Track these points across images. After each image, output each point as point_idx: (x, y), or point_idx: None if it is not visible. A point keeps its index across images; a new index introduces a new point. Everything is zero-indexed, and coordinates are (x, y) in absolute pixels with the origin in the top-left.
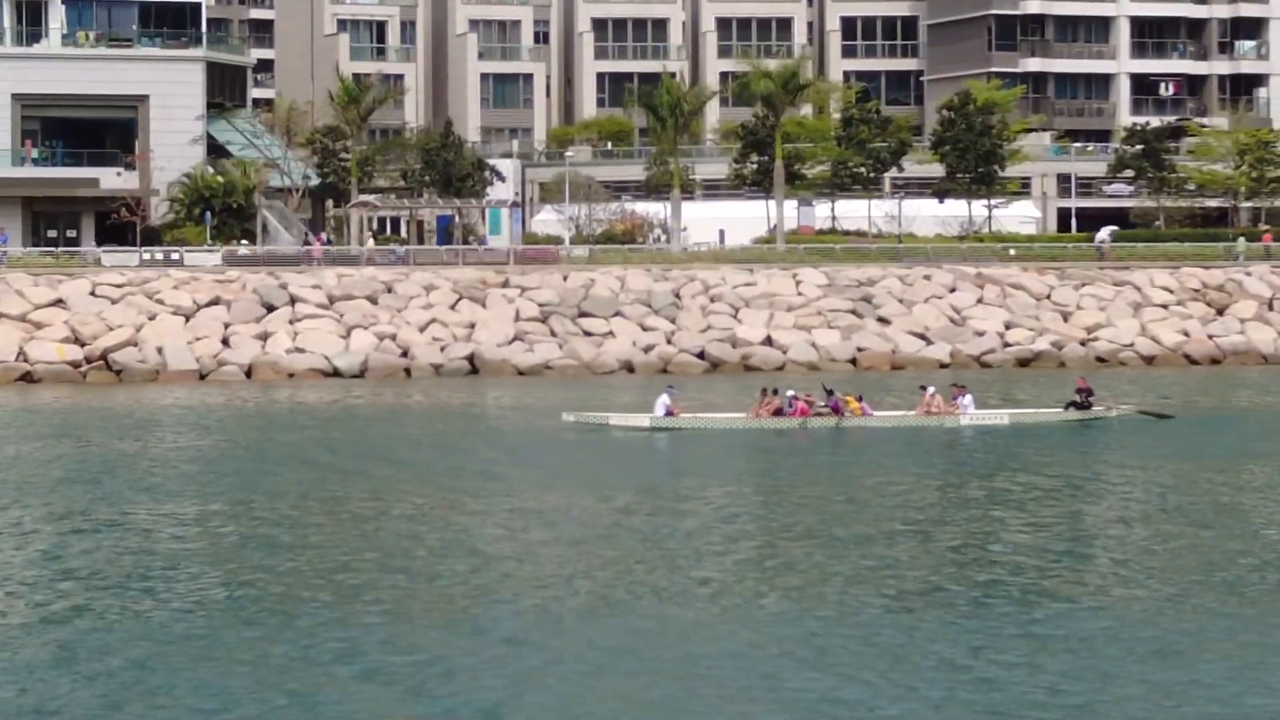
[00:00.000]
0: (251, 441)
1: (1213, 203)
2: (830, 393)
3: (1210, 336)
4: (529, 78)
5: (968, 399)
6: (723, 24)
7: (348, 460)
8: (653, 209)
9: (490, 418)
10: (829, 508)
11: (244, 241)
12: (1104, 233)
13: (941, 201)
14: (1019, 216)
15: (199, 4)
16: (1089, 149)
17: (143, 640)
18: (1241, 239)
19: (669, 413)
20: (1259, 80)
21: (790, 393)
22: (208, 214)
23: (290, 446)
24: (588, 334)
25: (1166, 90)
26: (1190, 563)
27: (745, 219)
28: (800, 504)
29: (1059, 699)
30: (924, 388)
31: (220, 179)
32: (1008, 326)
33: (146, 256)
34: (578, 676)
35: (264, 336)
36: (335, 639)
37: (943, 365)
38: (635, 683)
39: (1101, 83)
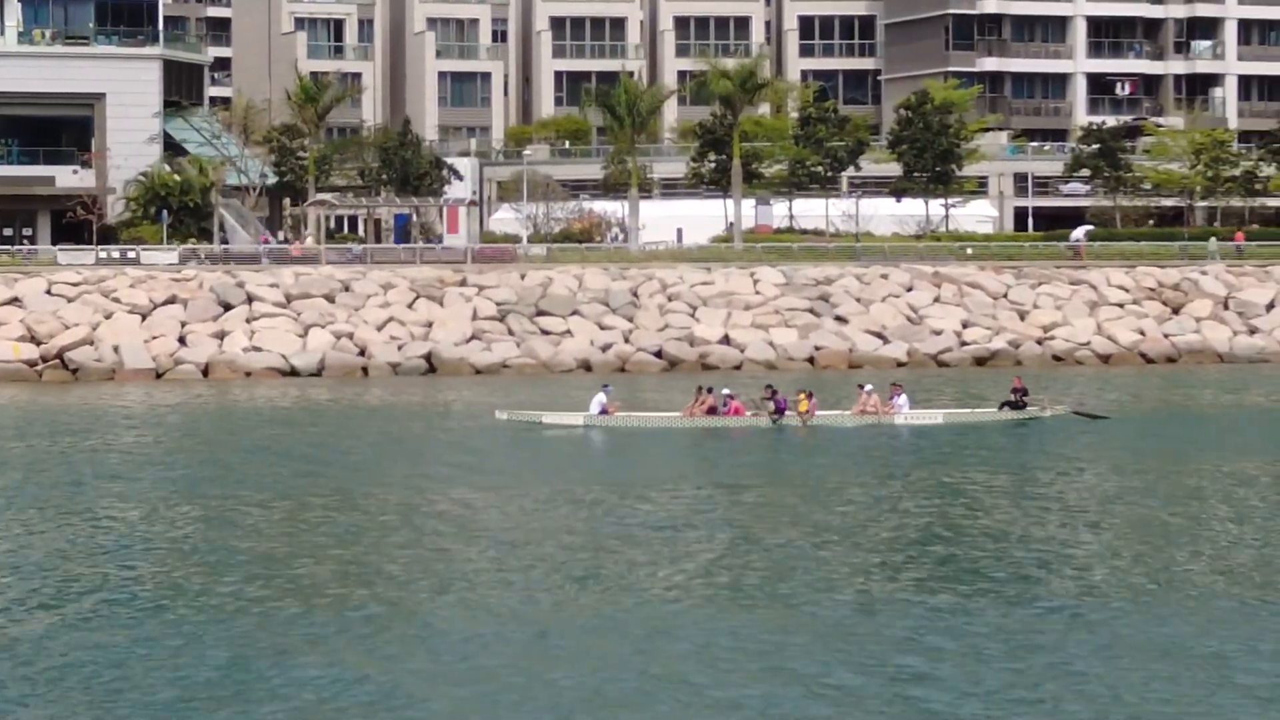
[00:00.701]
0: (199, 441)
1: (1168, 202)
2: (775, 392)
3: (1166, 335)
4: (487, 76)
5: (903, 399)
6: (680, 23)
7: (271, 461)
8: (610, 208)
9: (426, 417)
10: (763, 506)
11: (273, 235)
12: (1079, 232)
13: (899, 200)
14: (976, 215)
15: (156, 2)
16: (1046, 148)
17: (79, 640)
18: (1214, 238)
19: (604, 411)
20: (1215, 80)
21: (725, 391)
22: (164, 213)
23: (227, 446)
24: (545, 333)
25: (1123, 90)
26: (1109, 561)
27: (703, 218)
28: (735, 503)
29: (1017, 693)
30: (861, 387)
31: (177, 177)
32: (965, 325)
33: (103, 255)
34: (511, 671)
35: (221, 335)
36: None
37: (900, 364)
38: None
39: (1058, 82)
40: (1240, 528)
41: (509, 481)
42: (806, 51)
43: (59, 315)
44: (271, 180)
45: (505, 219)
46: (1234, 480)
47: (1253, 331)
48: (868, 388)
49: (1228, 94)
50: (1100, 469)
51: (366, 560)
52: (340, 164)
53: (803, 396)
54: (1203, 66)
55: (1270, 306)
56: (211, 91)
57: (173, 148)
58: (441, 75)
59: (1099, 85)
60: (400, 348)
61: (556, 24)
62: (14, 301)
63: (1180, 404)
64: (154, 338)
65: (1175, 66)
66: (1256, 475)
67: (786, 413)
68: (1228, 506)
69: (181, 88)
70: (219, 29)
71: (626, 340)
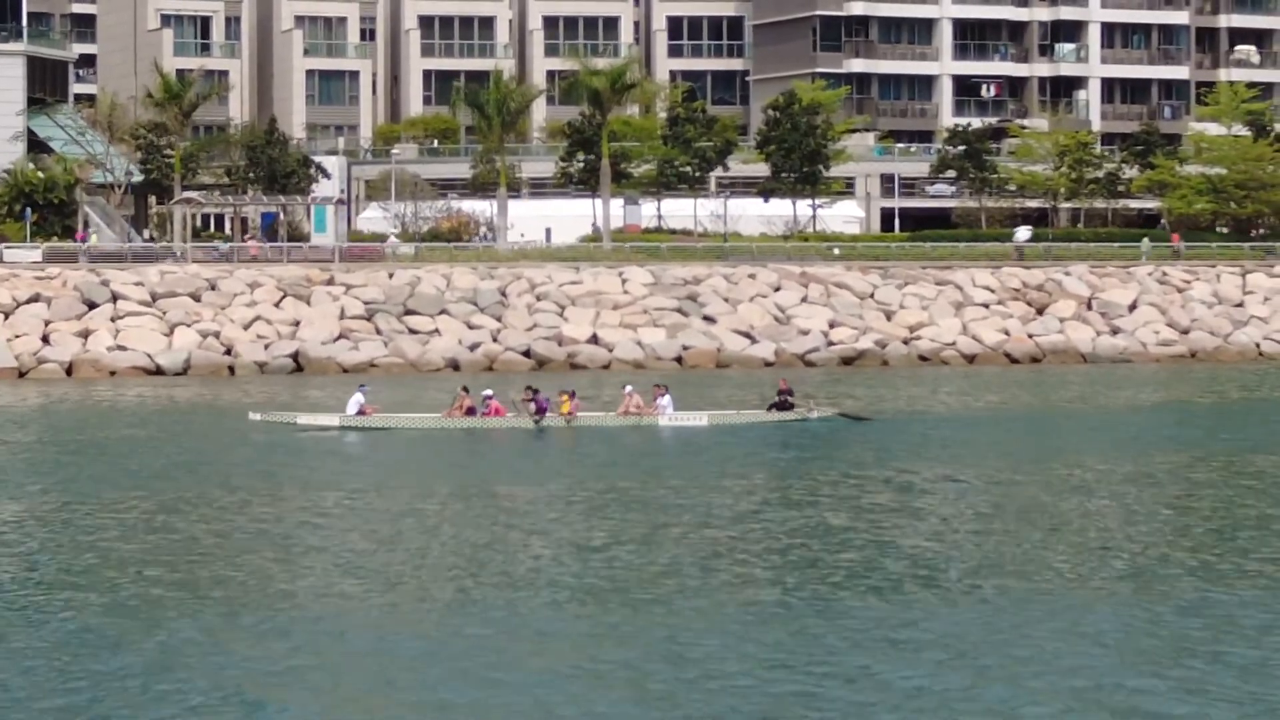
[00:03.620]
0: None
1: (1033, 203)
2: (535, 391)
3: (1030, 336)
4: (355, 75)
5: (666, 399)
6: (549, 22)
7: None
8: (479, 207)
9: (187, 418)
10: (499, 509)
11: (137, 233)
12: (1023, 233)
13: (766, 201)
14: (843, 216)
15: None
16: (912, 149)
17: None
18: (1146, 239)
19: (361, 412)
20: (1078, 82)
21: (486, 393)
22: (28, 210)
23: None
24: (413, 332)
25: (988, 92)
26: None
27: (571, 217)
28: (467, 506)
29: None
30: (624, 387)
31: (41, 175)
32: (832, 325)
33: None
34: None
35: (85, 334)
36: None
37: (768, 364)
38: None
39: (924, 84)
40: (969, 528)
41: (239, 485)
42: (675, 52)
43: None
44: (137, 178)
45: (373, 218)
46: (982, 479)
47: (1115, 332)
48: (629, 388)
49: (1091, 96)
50: (831, 469)
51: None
52: (207, 162)
53: (565, 397)
54: (1067, 69)
55: (1132, 307)
56: (76, 88)
57: (37, 145)
58: (309, 73)
59: (965, 87)
60: (267, 347)
61: (425, 23)
62: None
63: (957, 405)
64: (16, 336)
65: (1040, 69)
66: (1008, 476)
67: (548, 413)
68: (960, 507)
69: (46, 84)
70: (84, 25)
71: (495, 340)
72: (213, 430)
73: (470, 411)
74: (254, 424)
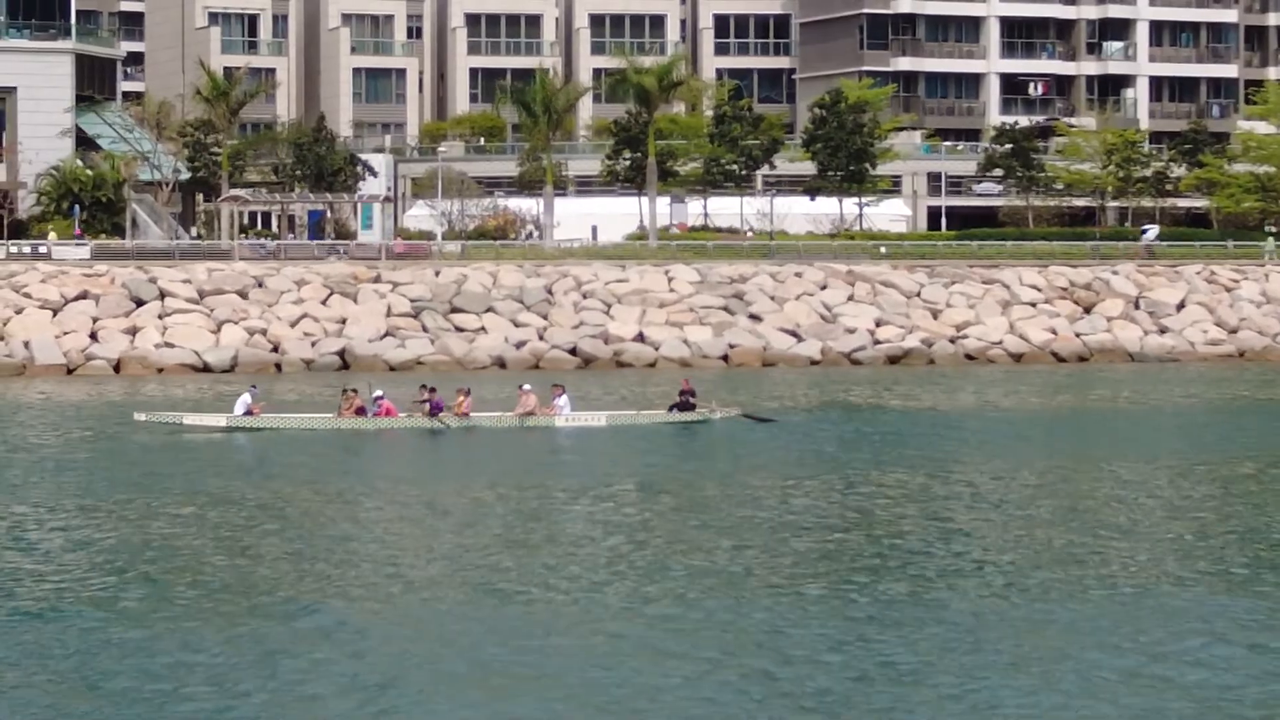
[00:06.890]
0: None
1: (1080, 202)
2: (432, 390)
3: (1077, 335)
4: (402, 72)
5: (564, 399)
6: (596, 20)
7: None
8: (525, 205)
9: (75, 418)
10: (374, 510)
11: (185, 231)
12: (1151, 232)
13: (813, 199)
14: (890, 214)
15: None
16: (959, 148)
17: None
18: (1271, 238)
19: (249, 412)
20: (1126, 81)
21: (377, 394)
22: (76, 207)
23: None
24: (460, 330)
25: (1035, 90)
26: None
27: (618, 215)
28: (340, 508)
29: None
30: (522, 387)
31: (89, 172)
32: (878, 324)
33: (13, 250)
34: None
35: (133, 331)
36: None
37: (814, 362)
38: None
39: (972, 82)
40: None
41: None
42: (721, 50)
43: None
44: (185, 176)
45: (420, 216)
46: (877, 482)
47: (1163, 331)
48: (526, 387)
49: (1139, 95)
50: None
51: None
52: (254, 159)
53: (460, 396)
54: (1114, 67)
55: (1180, 306)
56: (124, 86)
57: (85, 142)
58: (356, 71)
59: (1012, 85)
60: (314, 344)
61: (472, 20)
62: None
63: (877, 403)
64: (65, 333)
65: (1087, 67)
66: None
67: (443, 412)
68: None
69: (94, 82)
70: (132, 23)
71: (541, 337)
72: (94, 432)
73: (360, 412)
74: (138, 424)
